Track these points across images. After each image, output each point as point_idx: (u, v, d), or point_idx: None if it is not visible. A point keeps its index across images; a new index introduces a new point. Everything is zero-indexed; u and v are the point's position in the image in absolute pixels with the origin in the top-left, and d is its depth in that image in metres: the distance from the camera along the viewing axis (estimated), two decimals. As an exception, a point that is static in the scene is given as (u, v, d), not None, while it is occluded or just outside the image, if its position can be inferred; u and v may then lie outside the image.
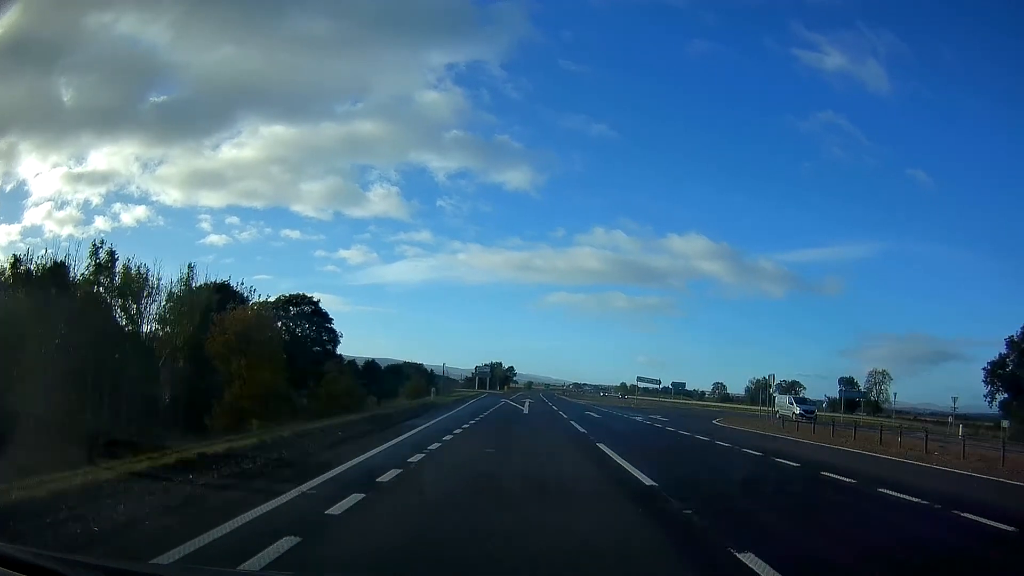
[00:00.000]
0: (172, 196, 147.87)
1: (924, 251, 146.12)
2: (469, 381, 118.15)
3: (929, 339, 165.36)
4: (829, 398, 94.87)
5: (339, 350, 50.91)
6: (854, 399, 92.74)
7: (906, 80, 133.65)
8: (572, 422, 33.03)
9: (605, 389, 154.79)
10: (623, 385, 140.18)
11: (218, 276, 33.98)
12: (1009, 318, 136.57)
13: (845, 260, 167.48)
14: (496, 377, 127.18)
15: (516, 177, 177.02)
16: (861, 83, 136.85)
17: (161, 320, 28.56)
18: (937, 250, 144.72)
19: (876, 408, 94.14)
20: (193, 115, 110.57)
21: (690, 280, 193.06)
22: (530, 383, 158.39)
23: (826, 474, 15.18)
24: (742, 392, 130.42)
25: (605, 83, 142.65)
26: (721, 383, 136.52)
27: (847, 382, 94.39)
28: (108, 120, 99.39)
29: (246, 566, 5.44)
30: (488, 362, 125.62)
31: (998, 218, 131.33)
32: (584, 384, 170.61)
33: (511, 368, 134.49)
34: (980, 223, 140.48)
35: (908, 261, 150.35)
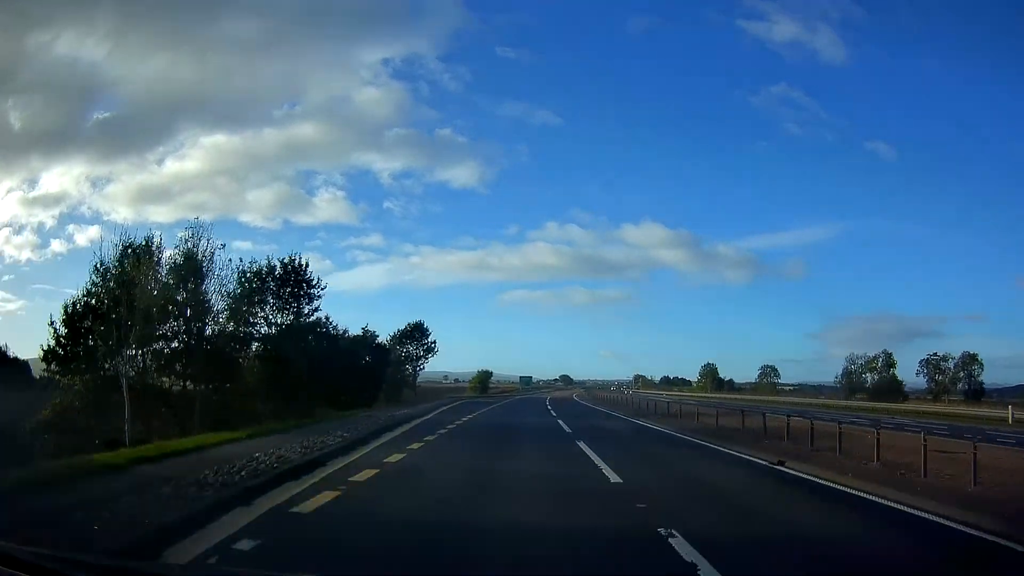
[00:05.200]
0: (123, 214, 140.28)
1: (887, 228, 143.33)
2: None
3: (898, 317, 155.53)
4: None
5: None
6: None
7: (861, 46, 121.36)
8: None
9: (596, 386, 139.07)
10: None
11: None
12: (978, 293, 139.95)
13: (806, 243, 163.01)
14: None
15: (462, 174, 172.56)
16: (814, 52, 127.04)
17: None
18: (900, 227, 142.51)
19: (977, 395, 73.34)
20: (135, 130, 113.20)
21: (650, 270, 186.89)
22: (484, 377, 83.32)
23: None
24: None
25: (545, 67, 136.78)
26: (772, 366, 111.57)
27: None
28: (56, 141, 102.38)
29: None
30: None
31: (964, 189, 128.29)
32: (579, 380, 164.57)
33: (427, 347, 58.68)
34: (945, 195, 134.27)
35: (871, 240, 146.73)
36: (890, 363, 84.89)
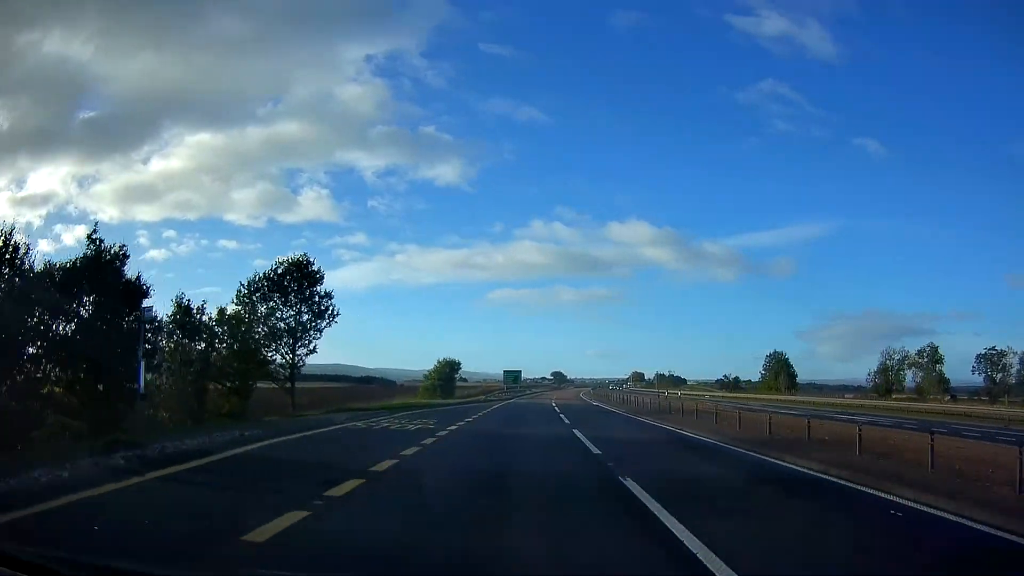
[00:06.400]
0: (109, 213, 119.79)
1: (877, 226, 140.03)
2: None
3: (887, 315, 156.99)
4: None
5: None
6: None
7: (851, 40, 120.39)
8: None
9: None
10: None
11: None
12: (969, 290, 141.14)
13: (796, 240, 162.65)
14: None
15: (447, 171, 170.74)
16: (803, 47, 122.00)
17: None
18: (890, 224, 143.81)
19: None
20: (121, 128, 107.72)
21: (637, 268, 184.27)
22: (444, 372, 54.40)
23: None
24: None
25: (530, 64, 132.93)
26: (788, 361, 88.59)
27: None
28: (43, 141, 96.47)
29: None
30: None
31: (954, 186, 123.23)
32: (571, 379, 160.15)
33: (317, 308, 29.55)
34: (935, 192, 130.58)
35: (861, 238, 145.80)
36: (936, 358, 74.20)
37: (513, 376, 67.37)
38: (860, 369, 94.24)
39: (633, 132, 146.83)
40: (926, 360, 75.60)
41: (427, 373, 52.84)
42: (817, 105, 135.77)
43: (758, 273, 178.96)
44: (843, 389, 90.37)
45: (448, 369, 52.79)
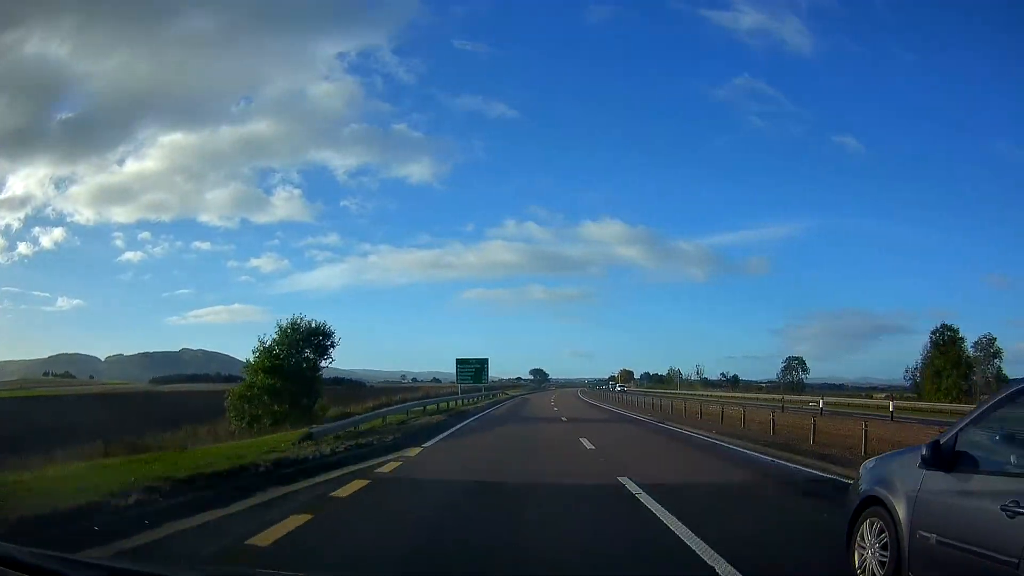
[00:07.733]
0: (85, 215, 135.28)
1: (854, 225, 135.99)
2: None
3: (864, 314, 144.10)
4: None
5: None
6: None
7: (830, 34, 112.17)
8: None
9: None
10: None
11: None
12: (948, 290, 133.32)
13: (771, 239, 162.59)
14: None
15: (418, 170, 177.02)
16: (780, 41, 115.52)
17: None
18: (869, 223, 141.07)
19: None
20: (97, 129, 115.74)
21: (611, 267, 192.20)
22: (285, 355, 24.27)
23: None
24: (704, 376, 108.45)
25: (502, 60, 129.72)
26: (799, 358, 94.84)
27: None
28: (21, 142, 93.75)
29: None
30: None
31: (934, 185, 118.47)
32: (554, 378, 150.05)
33: None
34: (914, 191, 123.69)
35: (838, 236, 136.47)
36: (994, 351, 63.31)
37: (472, 371, 38.62)
38: (836, 368, 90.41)
39: (607, 130, 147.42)
40: (982, 354, 65.21)
41: (246, 363, 23.34)
42: (795, 102, 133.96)
43: (733, 272, 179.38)
44: (850, 388, 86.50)
45: (299, 345, 22.42)
